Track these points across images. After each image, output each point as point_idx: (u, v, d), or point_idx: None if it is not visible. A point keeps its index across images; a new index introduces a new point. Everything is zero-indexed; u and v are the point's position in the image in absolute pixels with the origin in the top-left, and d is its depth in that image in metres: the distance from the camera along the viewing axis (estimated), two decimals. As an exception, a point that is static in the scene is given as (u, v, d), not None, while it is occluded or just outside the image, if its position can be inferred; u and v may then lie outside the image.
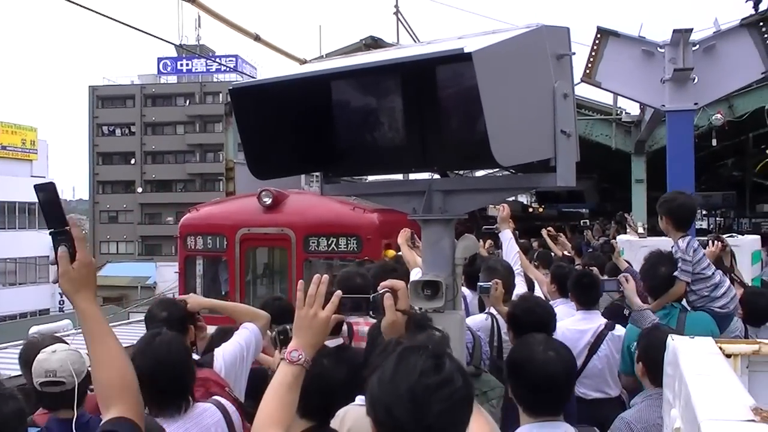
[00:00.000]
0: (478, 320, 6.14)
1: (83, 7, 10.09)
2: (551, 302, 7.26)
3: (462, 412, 2.29)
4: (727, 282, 6.32)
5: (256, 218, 11.47)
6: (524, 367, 3.91)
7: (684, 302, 6.18)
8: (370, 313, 2.92)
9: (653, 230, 17.06)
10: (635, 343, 5.06)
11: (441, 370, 2.27)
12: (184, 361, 4.23)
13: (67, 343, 4.95)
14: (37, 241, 57.45)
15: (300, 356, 2.77)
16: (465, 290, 6.86)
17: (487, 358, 5.62)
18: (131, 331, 12.16)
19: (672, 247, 6.21)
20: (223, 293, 11.76)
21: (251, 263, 12.06)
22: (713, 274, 6.12)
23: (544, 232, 12.64)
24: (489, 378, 4.88)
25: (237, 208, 12.13)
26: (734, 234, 9.15)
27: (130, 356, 4.04)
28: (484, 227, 11.27)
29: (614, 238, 13.03)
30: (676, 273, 6.01)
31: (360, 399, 3.66)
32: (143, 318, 5.54)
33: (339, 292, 2.93)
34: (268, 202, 11.31)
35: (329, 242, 10.93)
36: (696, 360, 2.57)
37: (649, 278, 6.21)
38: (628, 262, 8.86)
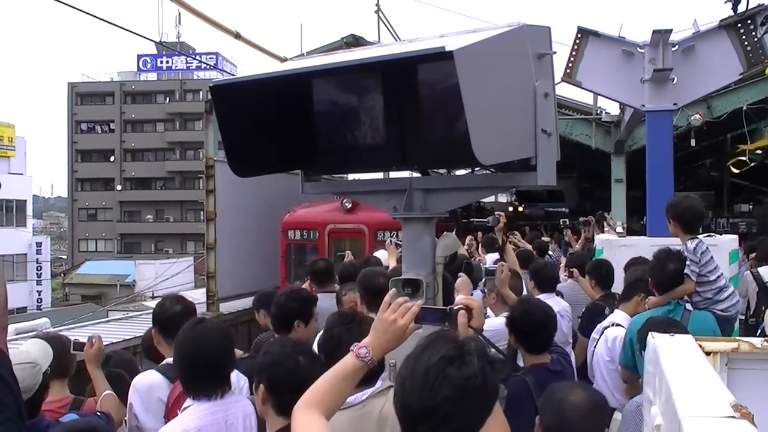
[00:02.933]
0: (496, 323, 6.11)
1: (63, 3, 9.99)
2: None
3: (474, 408, 2.31)
4: (731, 287, 6.43)
5: (339, 217, 15.17)
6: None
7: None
8: (446, 324, 2.92)
9: (631, 230, 17.22)
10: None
11: (462, 361, 2.32)
12: (224, 347, 4.23)
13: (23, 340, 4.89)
14: (15, 239, 57.01)
15: (367, 354, 2.84)
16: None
17: None
18: (110, 329, 12.07)
19: (681, 247, 6.30)
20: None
21: (335, 250, 15.08)
22: (718, 278, 6.23)
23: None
24: None
25: (325, 210, 15.57)
26: (712, 234, 9.16)
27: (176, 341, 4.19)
28: (476, 221, 12.94)
29: (591, 238, 13.08)
30: (686, 271, 6.09)
31: None
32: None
33: (419, 303, 2.99)
34: (348, 206, 14.91)
35: (392, 234, 12.95)
36: (676, 357, 2.58)
37: (657, 274, 6.27)
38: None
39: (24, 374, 4.27)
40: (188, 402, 4.09)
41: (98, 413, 4.70)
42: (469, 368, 2.30)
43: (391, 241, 8.32)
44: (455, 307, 2.96)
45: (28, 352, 4.52)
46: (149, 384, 4.82)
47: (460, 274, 7.64)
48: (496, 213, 9.13)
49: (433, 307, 3.10)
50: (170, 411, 4.60)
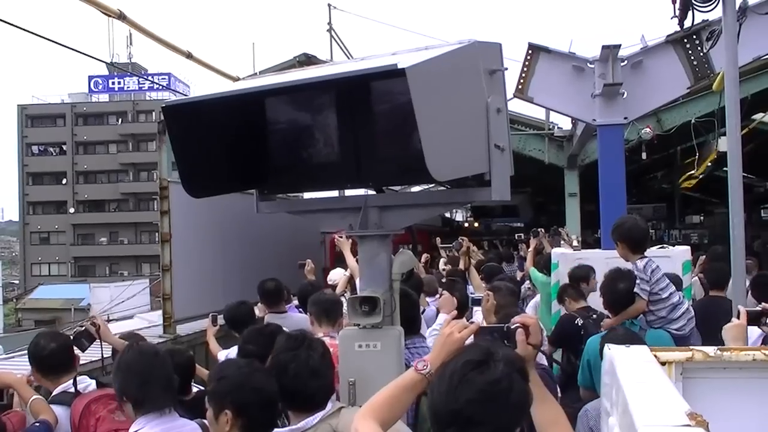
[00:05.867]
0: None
1: (11, 24, 9.86)
2: None
3: (499, 413, 2.32)
4: (686, 304, 6.39)
5: None
6: None
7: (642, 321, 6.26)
8: (505, 342, 2.94)
9: (586, 243, 17.41)
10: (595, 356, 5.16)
11: (486, 366, 2.35)
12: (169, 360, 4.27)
13: None
14: (-35, 265, 55.86)
15: (425, 368, 2.88)
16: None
17: None
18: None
19: (632, 266, 6.29)
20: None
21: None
22: (670, 295, 6.18)
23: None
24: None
25: None
26: (665, 245, 9.29)
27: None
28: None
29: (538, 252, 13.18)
30: (636, 290, 6.09)
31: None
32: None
33: (478, 323, 3.10)
34: None
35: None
36: (632, 368, 2.61)
37: (608, 294, 6.26)
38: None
39: None
40: (135, 426, 4.01)
41: (36, 423, 4.61)
42: (493, 373, 2.33)
43: (340, 235, 8.39)
44: (513, 326, 2.99)
45: None
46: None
47: (442, 291, 7.72)
48: (459, 238, 9.31)
49: (492, 326, 3.17)
50: (80, 424, 4.56)
